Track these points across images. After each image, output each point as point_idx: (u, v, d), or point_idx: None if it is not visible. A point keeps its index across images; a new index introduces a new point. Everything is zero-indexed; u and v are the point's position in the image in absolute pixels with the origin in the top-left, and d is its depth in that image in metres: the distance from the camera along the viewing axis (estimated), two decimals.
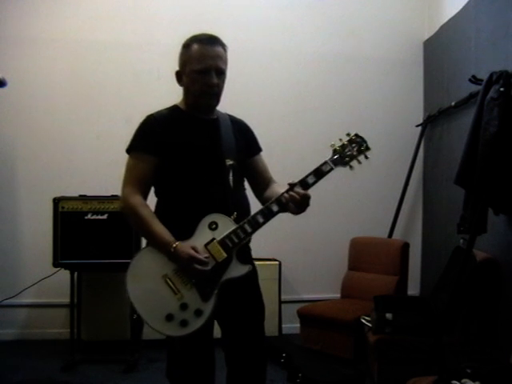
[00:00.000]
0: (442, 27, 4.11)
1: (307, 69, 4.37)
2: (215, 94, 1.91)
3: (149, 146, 1.87)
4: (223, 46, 1.91)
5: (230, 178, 1.89)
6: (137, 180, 1.86)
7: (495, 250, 3.06)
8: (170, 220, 1.83)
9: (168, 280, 1.78)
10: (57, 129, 4.08)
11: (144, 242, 3.46)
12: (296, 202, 1.78)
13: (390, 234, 4.23)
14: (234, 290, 1.86)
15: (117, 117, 4.12)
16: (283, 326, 4.02)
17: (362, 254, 4.06)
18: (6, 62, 3.89)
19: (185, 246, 1.75)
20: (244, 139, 2.02)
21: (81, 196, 3.46)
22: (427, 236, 4.40)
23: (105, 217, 3.39)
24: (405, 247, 3.87)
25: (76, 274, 3.51)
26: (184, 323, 1.77)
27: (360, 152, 1.89)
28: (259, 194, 2.04)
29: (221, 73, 1.89)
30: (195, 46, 1.87)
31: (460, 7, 3.73)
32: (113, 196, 3.46)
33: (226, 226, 1.79)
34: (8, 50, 3.99)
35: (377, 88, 4.44)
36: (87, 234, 3.37)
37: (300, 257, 4.29)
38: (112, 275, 3.76)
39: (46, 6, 4.07)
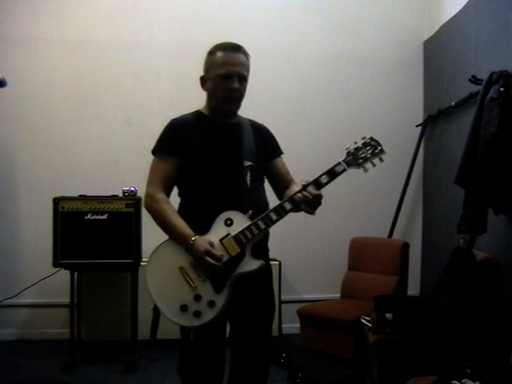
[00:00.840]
0: (441, 27, 4.11)
1: (307, 69, 4.36)
2: (236, 98, 2.01)
3: (172, 147, 1.98)
4: (246, 54, 2.02)
5: (248, 178, 1.98)
6: (160, 179, 1.97)
7: (495, 249, 3.06)
8: (190, 217, 1.94)
9: (184, 272, 1.88)
10: (57, 129, 4.08)
11: (146, 242, 3.49)
12: (308, 201, 1.87)
13: (390, 234, 4.23)
14: (248, 289, 1.94)
15: (117, 117, 4.13)
16: (283, 325, 4.01)
17: (361, 253, 4.06)
18: (5, 62, 3.89)
19: (202, 241, 1.84)
20: (264, 142, 2.10)
21: (81, 196, 3.45)
22: (427, 236, 4.40)
23: (105, 217, 3.39)
24: (405, 247, 3.87)
25: (76, 274, 3.51)
26: (197, 314, 1.85)
27: (374, 154, 1.96)
28: (280, 195, 2.12)
29: (243, 79, 2.00)
30: (219, 53, 1.98)
31: (460, 7, 3.73)
32: (113, 196, 3.47)
33: (240, 222, 1.88)
34: (8, 50, 4.00)
35: (377, 88, 4.43)
36: (87, 234, 3.37)
37: (300, 257, 4.29)
38: (112, 275, 3.77)
39: (46, 5, 4.07)
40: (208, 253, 1.81)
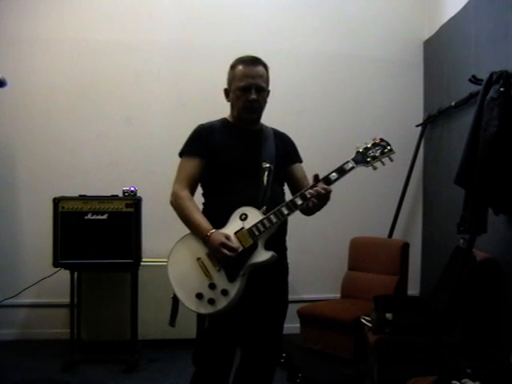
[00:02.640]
0: (442, 27, 4.11)
1: (307, 69, 4.37)
2: (255, 108, 2.14)
3: (196, 149, 2.14)
4: (264, 66, 2.15)
5: (265, 178, 2.10)
6: (185, 178, 2.13)
7: (495, 250, 3.06)
8: (211, 213, 2.09)
9: (201, 263, 2.02)
10: (57, 129, 4.08)
11: (146, 242, 3.49)
12: (318, 195, 1.96)
13: (390, 234, 4.23)
14: (263, 287, 2.06)
15: (117, 117, 4.13)
16: (283, 325, 4.01)
17: (361, 253, 4.06)
18: (5, 62, 3.89)
19: (219, 234, 1.99)
20: (284, 149, 2.24)
21: (81, 196, 3.45)
22: (427, 236, 4.40)
23: (105, 217, 3.39)
24: (405, 247, 3.87)
25: (76, 273, 3.51)
26: (211, 301, 1.98)
27: (383, 154, 2.04)
28: None
29: (261, 90, 2.12)
30: (239, 67, 2.12)
31: (460, 7, 3.73)
32: (113, 196, 3.47)
33: (254, 216, 2.01)
34: (8, 50, 3.99)
35: (377, 88, 4.43)
36: (87, 234, 3.37)
37: (300, 257, 4.27)
38: (112, 275, 3.76)
39: (46, 5, 4.07)
40: (224, 245, 1.94)
